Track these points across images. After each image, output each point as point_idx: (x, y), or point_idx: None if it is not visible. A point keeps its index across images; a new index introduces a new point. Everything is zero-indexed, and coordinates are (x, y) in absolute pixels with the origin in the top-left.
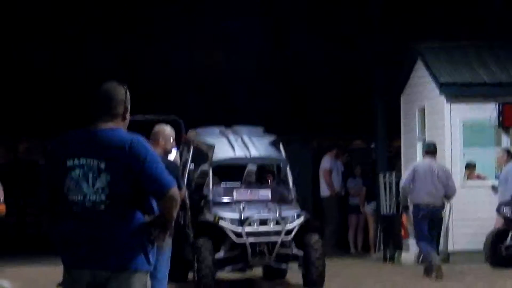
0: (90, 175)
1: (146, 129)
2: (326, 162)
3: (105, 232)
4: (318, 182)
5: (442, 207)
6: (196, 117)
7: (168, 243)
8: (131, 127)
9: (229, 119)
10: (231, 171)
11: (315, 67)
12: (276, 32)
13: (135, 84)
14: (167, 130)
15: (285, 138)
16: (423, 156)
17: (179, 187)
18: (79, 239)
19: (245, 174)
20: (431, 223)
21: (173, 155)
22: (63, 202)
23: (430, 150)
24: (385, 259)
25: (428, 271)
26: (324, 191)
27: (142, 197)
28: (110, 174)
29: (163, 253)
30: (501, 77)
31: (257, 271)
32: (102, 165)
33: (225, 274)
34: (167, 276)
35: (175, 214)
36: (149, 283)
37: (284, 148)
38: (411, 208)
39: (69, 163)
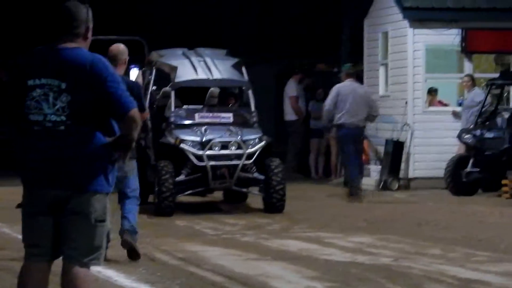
0: (51, 95)
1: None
2: (291, 88)
3: (65, 153)
4: (281, 105)
5: (364, 127)
6: (161, 39)
7: (134, 165)
8: (94, 47)
9: (193, 42)
10: (194, 94)
11: None
12: None
13: (100, 4)
14: (125, 49)
15: (249, 61)
16: (343, 79)
17: (142, 109)
18: (40, 159)
19: (207, 96)
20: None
21: (135, 75)
22: (24, 121)
23: (351, 72)
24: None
25: (352, 194)
26: (289, 115)
27: (103, 118)
28: (71, 94)
29: (133, 175)
30: (465, 2)
31: (218, 194)
32: (63, 85)
33: (186, 197)
34: (138, 197)
35: (136, 135)
36: (108, 204)
37: (247, 71)
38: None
39: (30, 82)
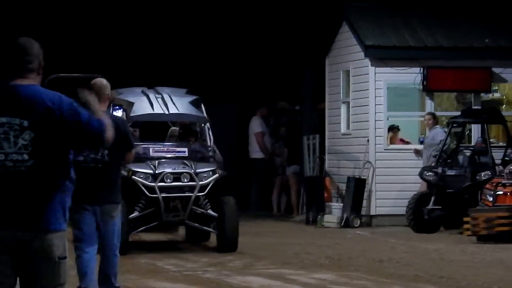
0: (11, 134)
1: (68, 87)
2: (256, 124)
3: (27, 193)
4: (243, 142)
5: None
6: (122, 77)
7: (118, 212)
8: (55, 85)
9: (156, 81)
10: (154, 132)
11: (241, 28)
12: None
13: (62, 41)
14: (108, 84)
15: (211, 98)
16: None
17: (130, 147)
18: (0, 200)
19: (167, 135)
20: None
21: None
22: None
23: None
24: (308, 221)
25: None
26: (255, 152)
27: (64, 156)
28: (34, 131)
29: (114, 222)
30: (426, 40)
31: (181, 232)
32: (25, 123)
33: (148, 235)
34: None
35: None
36: (66, 241)
37: (208, 107)
38: None
39: None
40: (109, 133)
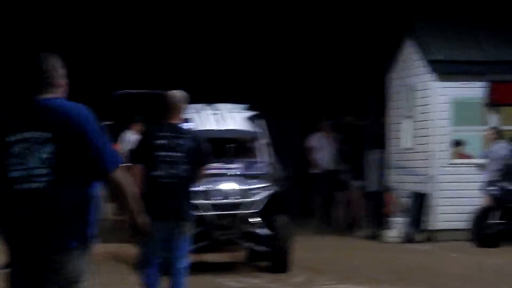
0: (34, 148)
1: (135, 103)
2: (310, 139)
3: (48, 209)
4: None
5: None
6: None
7: (189, 228)
8: (122, 101)
9: (217, 98)
10: (220, 150)
11: (306, 42)
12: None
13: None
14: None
15: (276, 113)
16: None
17: (204, 162)
18: (21, 217)
19: (226, 151)
20: None
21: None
22: (3, 181)
23: None
24: (370, 236)
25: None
26: (312, 168)
27: (86, 172)
28: (56, 144)
29: (185, 239)
30: (490, 55)
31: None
32: (48, 135)
33: (210, 256)
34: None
35: (131, 205)
36: (84, 261)
37: (272, 122)
38: None
39: (9, 139)
40: (120, 191)
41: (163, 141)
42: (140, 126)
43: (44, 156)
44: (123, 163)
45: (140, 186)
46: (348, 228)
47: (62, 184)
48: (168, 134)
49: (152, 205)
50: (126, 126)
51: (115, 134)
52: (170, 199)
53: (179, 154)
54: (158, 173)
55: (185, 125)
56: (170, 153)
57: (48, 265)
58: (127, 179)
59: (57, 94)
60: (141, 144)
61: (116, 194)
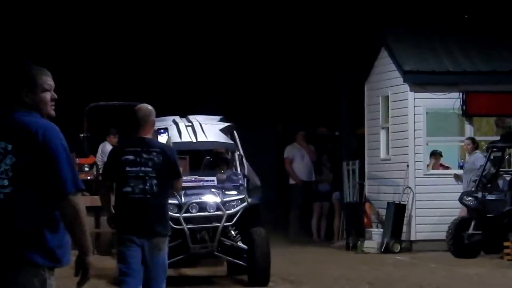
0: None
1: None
2: (287, 150)
3: (6, 223)
4: (282, 169)
5: None
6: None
7: (166, 244)
8: (96, 112)
9: (192, 109)
10: (194, 162)
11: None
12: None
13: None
14: (152, 110)
15: (248, 124)
16: None
17: (179, 175)
18: None
19: (202, 163)
20: None
21: (164, 140)
22: None
23: None
24: (348, 247)
25: None
26: (290, 178)
27: (47, 187)
28: (15, 156)
29: (161, 256)
30: (465, 65)
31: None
32: (9, 147)
33: (190, 270)
34: (165, 280)
35: (84, 240)
36: (49, 279)
37: (245, 134)
38: None
39: None
40: (75, 219)
41: (132, 157)
42: (116, 138)
43: (3, 167)
44: (83, 189)
45: (110, 204)
46: (326, 239)
47: (19, 198)
48: (138, 149)
49: (124, 221)
50: (104, 138)
51: (93, 146)
52: (142, 215)
53: (149, 169)
54: (128, 189)
55: (156, 139)
56: (140, 168)
57: (6, 280)
58: (84, 208)
59: (32, 107)
60: (110, 160)
61: (70, 220)
